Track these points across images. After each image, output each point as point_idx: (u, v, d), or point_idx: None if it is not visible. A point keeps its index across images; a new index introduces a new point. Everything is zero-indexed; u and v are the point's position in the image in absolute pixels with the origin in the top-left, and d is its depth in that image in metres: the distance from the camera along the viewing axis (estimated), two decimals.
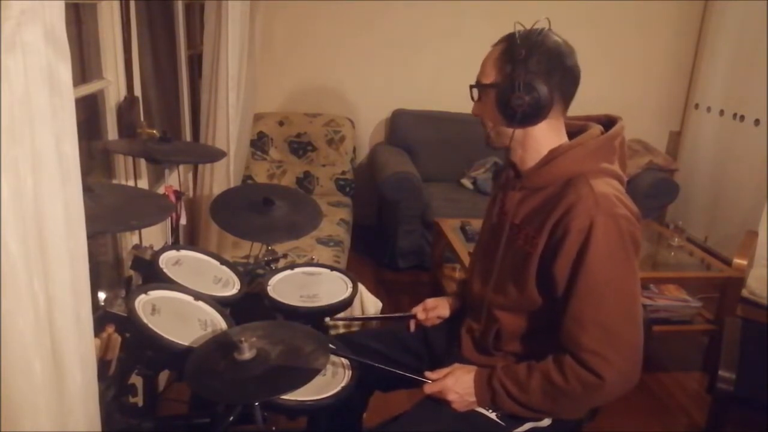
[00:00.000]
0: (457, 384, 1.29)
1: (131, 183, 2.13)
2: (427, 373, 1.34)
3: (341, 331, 1.92)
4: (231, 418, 1.26)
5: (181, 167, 2.53)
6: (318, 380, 1.21)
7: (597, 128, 1.31)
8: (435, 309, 1.57)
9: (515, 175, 1.36)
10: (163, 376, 1.99)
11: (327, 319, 1.62)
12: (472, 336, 1.44)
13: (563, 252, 1.19)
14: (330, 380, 1.29)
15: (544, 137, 1.27)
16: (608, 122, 1.33)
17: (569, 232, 1.17)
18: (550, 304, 1.26)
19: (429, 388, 1.32)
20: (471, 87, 1.32)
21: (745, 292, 2.63)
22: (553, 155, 1.26)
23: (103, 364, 1.23)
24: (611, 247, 1.17)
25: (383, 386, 1.57)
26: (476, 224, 2.93)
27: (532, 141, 1.28)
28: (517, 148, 1.31)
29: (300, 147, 3.71)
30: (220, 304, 1.43)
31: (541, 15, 1.25)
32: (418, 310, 1.58)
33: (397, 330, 1.61)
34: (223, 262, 1.66)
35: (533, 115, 1.24)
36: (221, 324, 1.36)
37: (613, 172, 1.26)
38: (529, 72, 1.20)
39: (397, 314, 1.67)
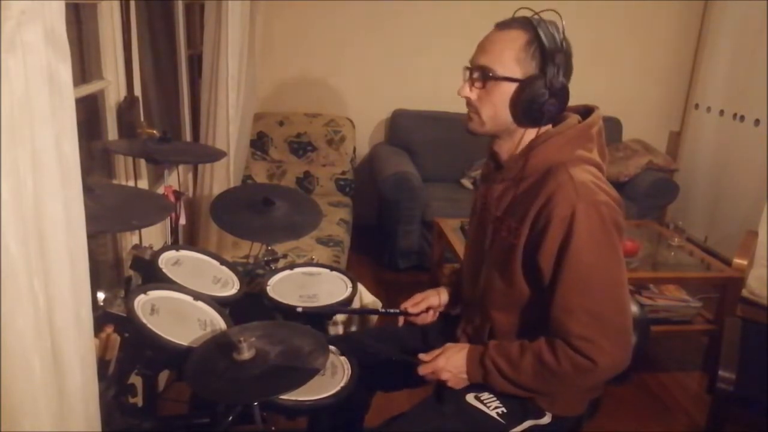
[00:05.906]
0: (449, 363, 1.30)
1: (131, 183, 2.13)
2: (420, 355, 1.34)
3: (340, 331, 1.92)
4: (230, 418, 1.27)
5: (181, 167, 2.53)
6: (317, 380, 1.21)
7: (575, 117, 1.30)
8: (424, 301, 1.57)
9: (495, 167, 1.36)
10: (163, 376, 1.99)
11: (299, 308, 1.53)
12: (467, 334, 1.44)
13: (547, 242, 1.19)
14: (329, 380, 1.29)
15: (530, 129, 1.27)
16: (586, 112, 1.33)
17: (551, 221, 1.18)
18: (539, 297, 1.26)
19: (423, 370, 1.32)
20: (473, 69, 1.25)
21: (745, 292, 2.62)
22: (532, 145, 1.26)
23: (102, 364, 1.23)
24: (594, 234, 1.17)
25: (386, 386, 1.58)
26: None
27: (520, 133, 1.28)
28: (506, 139, 1.30)
29: (300, 147, 3.71)
30: (219, 304, 1.44)
31: (541, 14, 1.24)
32: (408, 305, 1.57)
33: (395, 330, 1.61)
34: (222, 262, 1.66)
35: (557, 116, 1.24)
36: (220, 324, 1.37)
37: (591, 159, 1.26)
38: (558, 73, 1.19)
39: (383, 310, 1.66)
